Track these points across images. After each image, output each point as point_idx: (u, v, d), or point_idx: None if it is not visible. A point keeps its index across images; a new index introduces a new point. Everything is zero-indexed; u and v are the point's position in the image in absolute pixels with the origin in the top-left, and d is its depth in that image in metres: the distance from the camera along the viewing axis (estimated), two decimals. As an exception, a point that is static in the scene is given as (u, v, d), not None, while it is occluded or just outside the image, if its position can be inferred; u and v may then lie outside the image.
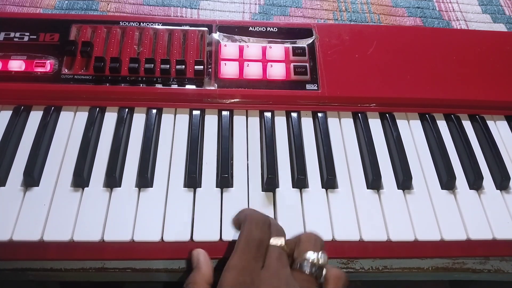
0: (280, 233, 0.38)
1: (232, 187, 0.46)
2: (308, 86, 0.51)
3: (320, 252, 0.36)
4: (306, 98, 0.51)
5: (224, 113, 0.51)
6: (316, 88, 0.51)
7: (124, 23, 0.53)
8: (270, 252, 0.36)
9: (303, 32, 0.55)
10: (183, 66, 0.50)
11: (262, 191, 0.46)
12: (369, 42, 0.55)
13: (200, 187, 0.45)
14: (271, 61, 0.52)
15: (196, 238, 0.42)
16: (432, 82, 0.53)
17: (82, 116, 0.49)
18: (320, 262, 0.36)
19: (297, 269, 0.36)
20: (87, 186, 0.44)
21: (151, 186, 0.45)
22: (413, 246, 0.44)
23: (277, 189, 0.46)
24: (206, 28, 0.54)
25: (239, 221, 0.39)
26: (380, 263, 0.47)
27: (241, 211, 0.40)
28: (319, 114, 0.52)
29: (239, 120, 0.51)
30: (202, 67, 0.50)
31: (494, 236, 0.45)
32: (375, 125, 0.52)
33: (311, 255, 0.36)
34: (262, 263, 0.36)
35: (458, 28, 0.67)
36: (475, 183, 0.48)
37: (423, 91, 0.52)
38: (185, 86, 0.50)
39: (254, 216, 0.37)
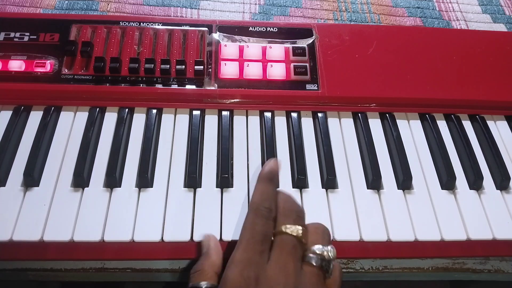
0: (300, 218, 0.36)
1: (232, 187, 0.46)
2: (308, 86, 0.51)
3: (329, 246, 0.36)
4: (306, 98, 0.51)
5: (224, 113, 0.51)
6: (316, 88, 0.51)
7: (124, 23, 0.53)
8: (281, 243, 0.35)
9: (303, 32, 0.55)
10: (183, 66, 0.50)
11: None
12: (369, 42, 0.55)
13: (200, 187, 0.45)
14: (271, 61, 0.52)
15: (196, 238, 0.42)
16: (432, 82, 0.53)
17: (82, 116, 0.49)
18: (330, 256, 0.35)
19: (306, 262, 0.35)
20: (87, 186, 0.44)
21: (151, 186, 0.45)
22: (413, 246, 0.44)
23: (277, 189, 0.46)
24: (206, 28, 0.54)
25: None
26: (380, 263, 0.47)
27: (255, 188, 0.38)
28: (319, 114, 0.52)
29: (239, 120, 0.51)
30: (202, 67, 0.50)
31: (494, 236, 0.45)
32: (375, 125, 0.52)
33: (321, 249, 0.35)
34: (268, 256, 0.34)
35: (458, 28, 0.67)
36: (475, 183, 0.48)
37: (423, 91, 0.53)
38: (185, 86, 0.50)
39: (258, 203, 0.36)
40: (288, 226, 0.35)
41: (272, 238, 0.36)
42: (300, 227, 0.35)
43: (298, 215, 0.37)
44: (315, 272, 0.34)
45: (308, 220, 0.42)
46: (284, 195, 0.39)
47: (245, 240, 0.35)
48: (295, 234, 0.35)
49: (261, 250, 0.34)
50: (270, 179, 0.40)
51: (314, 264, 0.35)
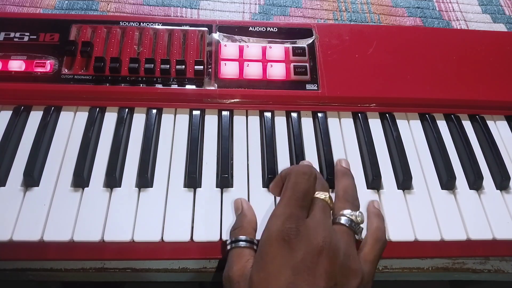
0: (325, 187, 0.40)
1: (232, 187, 0.46)
2: (308, 86, 0.51)
3: (358, 212, 0.39)
4: (306, 98, 0.51)
5: (224, 113, 0.51)
6: (316, 88, 0.51)
7: (124, 23, 0.53)
8: (315, 204, 0.38)
9: (303, 32, 0.55)
10: (183, 66, 0.50)
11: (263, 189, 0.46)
12: (369, 42, 0.55)
13: (200, 187, 0.45)
14: (271, 61, 0.52)
15: (196, 238, 0.42)
16: (432, 82, 0.53)
17: (82, 116, 0.49)
18: (358, 220, 0.38)
19: (337, 222, 0.38)
20: (87, 186, 0.44)
21: (151, 186, 0.45)
22: (413, 246, 0.44)
23: None
24: (206, 28, 0.54)
25: (281, 179, 0.42)
26: (380, 263, 0.47)
27: (283, 170, 0.42)
28: (319, 114, 0.52)
29: (239, 120, 0.51)
30: (202, 67, 0.50)
31: (494, 236, 0.45)
32: (375, 125, 0.52)
33: (350, 213, 0.39)
34: (307, 213, 0.38)
35: (458, 28, 0.67)
36: (475, 183, 0.48)
37: (423, 91, 0.52)
38: (185, 86, 0.50)
39: (300, 168, 0.40)
40: (317, 192, 0.39)
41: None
42: (326, 193, 0.39)
43: (322, 185, 0.40)
44: (345, 230, 0.38)
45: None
46: (307, 168, 0.43)
47: (287, 197, 0.38)
48: (322, 198, 0.39)
49: (302, 206, 0.37)
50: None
51: (344, 223, 0.38)
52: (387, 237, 0.44)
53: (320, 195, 0.39)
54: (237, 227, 0.40)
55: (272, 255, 0.34)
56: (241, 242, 0.38)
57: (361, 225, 0.39)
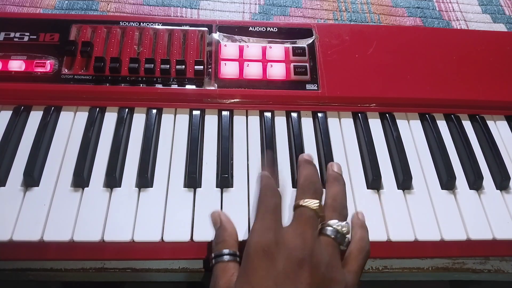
0: (318, 193, 0.41)
1: (232, 187, 0.46)
2: (308, 86, 0.51)
3: (344, 222, 0.39)
4: (306, 98, 0.51)
5: (224, 113, 0.51)
6: (316, 88, 0.51)
7: (124, 23, 0.53)
8: (299, 214, 0.39)
9: (303, 32, 0.55)
10: (183, 66, 0.50)
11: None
12: (369, 42, 0.55)
13: (200, 187, 0.45)
14: (271, 61, 0.52)
15: (196, 238, 0.42)
16: (432, 82, 0.53)
17: (82, 116, 0.49)
18: (344, 231, 0.39)
19: (322, 233, 0.39)
20: (87, 186, 0.44)
21: (151, 186, 0.45)
22: (413, 246, 0.44)
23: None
24: (206, 28, 0.54)
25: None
26: (380, 263, 0.47)
27: (260, 179, 0.43)
28: (319, 114, 0.52)
29: (239, 120, 0.51)
30: (202, 67, 0.50)
31: (494, 236, 0.45)
32: (375, 125, 0.52)
33: (336, 223, 0.39)
34: (282, 224, 0.39)
35: (458, 28, 0.67)
36: (475, 183, 0.48)
37: (423, 91, 0.52)
38: (185, 86, 0.50)
39: (266, 185, 0.41)
40: (305, 200, 0.39)
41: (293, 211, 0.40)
42: (316, 201, 0.39)
43: (315, 191, 0.41)
44: (330, 242, 0.38)
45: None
46: (307, 170, 0.43)
47: (260, 212, 0.39)
48: (312, 207, 0.39)
49: (275, 219, 0.38)
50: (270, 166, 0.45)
51: (330, 235, 0.38)
52: (388, 237, 0.44)
53: (310, 203, 0.39)
54: (219, 241, 0.40)
55: (254, 268, 0.35)
56: (224, 256, 0.39)
57: (347, 236, 0.39)
